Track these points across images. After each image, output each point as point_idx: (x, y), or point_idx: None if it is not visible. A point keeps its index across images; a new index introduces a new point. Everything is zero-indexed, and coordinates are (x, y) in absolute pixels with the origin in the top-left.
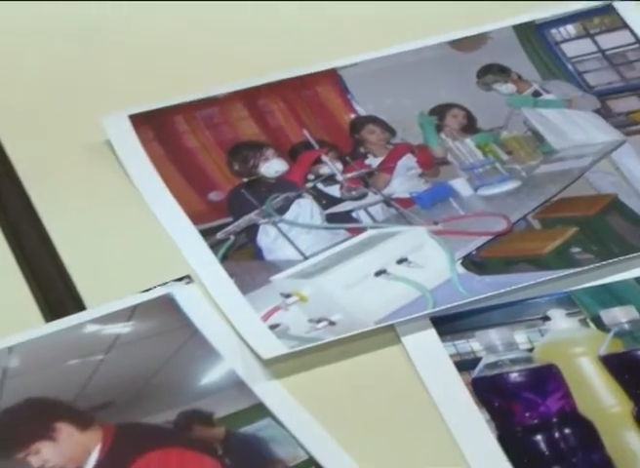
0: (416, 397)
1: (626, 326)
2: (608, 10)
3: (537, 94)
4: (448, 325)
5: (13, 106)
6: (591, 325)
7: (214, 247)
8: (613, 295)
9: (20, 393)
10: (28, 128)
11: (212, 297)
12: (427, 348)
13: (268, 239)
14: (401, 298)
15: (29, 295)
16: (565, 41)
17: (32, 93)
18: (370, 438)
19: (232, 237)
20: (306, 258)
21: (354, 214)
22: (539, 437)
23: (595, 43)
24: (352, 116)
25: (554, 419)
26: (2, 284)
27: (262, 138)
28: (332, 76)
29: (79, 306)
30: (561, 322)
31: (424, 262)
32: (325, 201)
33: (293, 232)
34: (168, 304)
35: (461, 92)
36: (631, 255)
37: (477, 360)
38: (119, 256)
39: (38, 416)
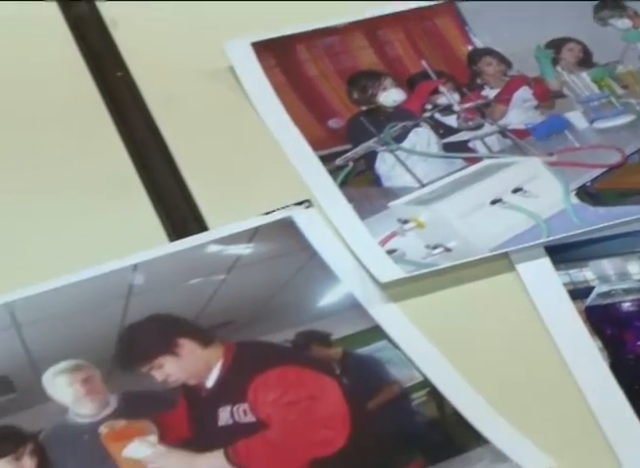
0: (529, 324)
1: None
2: None
3: None
4: (562, 254)
5: (137, 34)
6: None
7: (333, 172)
8: None
9: (145, 309)
10: (154, 55)
11: (331, 222)
12: (541, 276)
13: (386, 166)
14: (516, 227)
15: (154, 216)
16: None
17: (156, 21)
18: (483, 362)
19: (351, 163)
20: (423, 186)
21: (470, 144)
22: None
23: None
24: (470, 48)
25: None
26: (128, 205)
27: (381, 68)
28: (450, 9)
29: (202, 227)
30: None
31: (539, 192)
32: (442, 130)
33: (410, 160)
34: (288, 227)
35: (578, 26)
36: None
37: (590, 289)
38: (241, 180)
39: (162, 332)
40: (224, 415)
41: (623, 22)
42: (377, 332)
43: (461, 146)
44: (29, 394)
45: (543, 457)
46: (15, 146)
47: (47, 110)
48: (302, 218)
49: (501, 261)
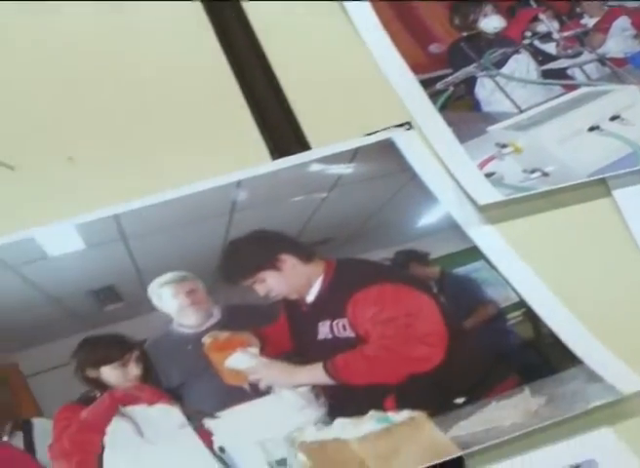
0: (623, 249)
1: None
2: None
3: None
4: None
5: None
6: None
7: (433, 96)
8: None
9: (248, 225)
10: None
11: (430, 144)
12: (638, 202)
13: (485, 91)
14: (613, 153)
15: (258, 135)
16: None
17: None
18: (578, 284)
19: (451, 88)
20: (522, 112)
21: (569, 72)
22: None
23: None
24: None
25: None
26: (233, 124)
27: None
28: None
29: (304, 146)
30: None
31: (637, 120)
32: (541, 58)
33: (509, 86)
34: (388, 148)
35: None
36: None
37: None
38: (343, 102)
39: (264, 247)
40: (324, 330)
41: None
42: (474, 253)
43: (560, 73)
44: (136, 304)
45: (637, 378)
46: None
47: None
48: (403, 140)
49: (598, 187)
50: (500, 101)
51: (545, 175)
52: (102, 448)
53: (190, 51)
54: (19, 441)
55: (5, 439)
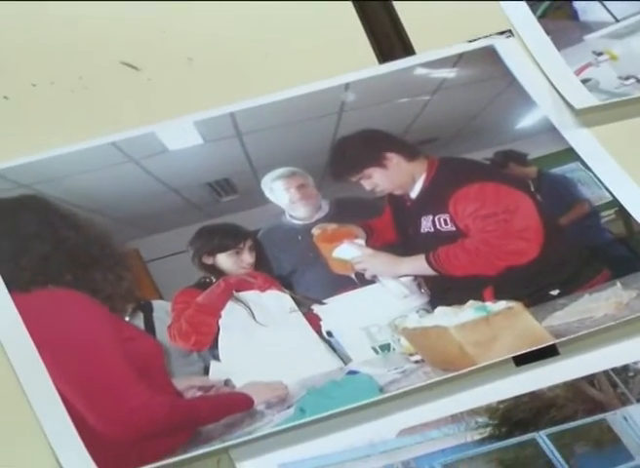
0: None
1: None
2: None
3: None
4: None
5: None
6: None
7: (533, 6)
8: None
9: (356, 125)
10: None
11: (529, 51)
12: None
13: (583, 1)
14: None
15: (366, 41)
16: None
17: None
18: None
19: None
20: (618, 21)
21: None
22: None
23: None
24: None
25: None
26: (343, 30)
27: None
28: None
29: (409, 51)
30: None
31: None
32: None
33: None
34: (490, 55)
35: None
36: None
37: None
38: (447, 9)
39: (371, 145)
40: (426, 224)
41: None
42: (570, 154)
43: None
44: (249, 196)
45: None
46: None
47: None
48: (503, 47)
49: None
50: (598, 11)
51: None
52: (218, 330)
53: None
54: (139, 321)
55: (127, 319)
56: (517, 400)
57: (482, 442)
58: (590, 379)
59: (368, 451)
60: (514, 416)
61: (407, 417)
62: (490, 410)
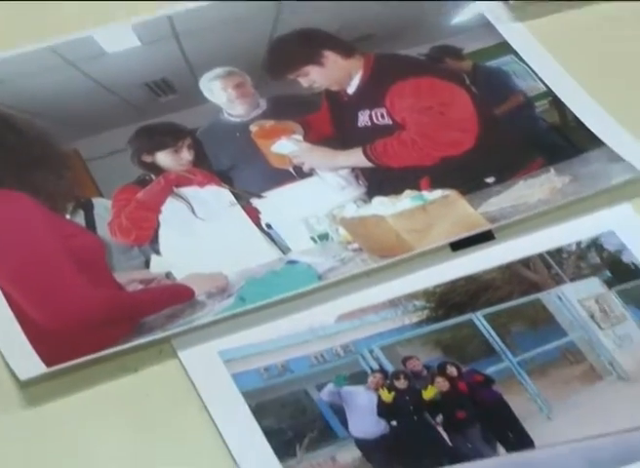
0: None
1: None
2: None
3: None
4: None
5: None
6: None
7: None
8: None
9: (292, 24)
10: None
11: None
12: None
13: None
14: None
15: None
16: None
17: None
18: (601, 74)
19: None
20: None
21: None
22: None
23: None
24: None
25: None
26: None
27: None
28: None
29: None
30: None
31: None
32: None
33: None
34: None
35: None
36: None
37: None
38: None
39: (308, 44)
40: (363, 118)
41: None
42: (504, 48)
43: None
44: (188, 96)
45: None
46: None
47: None
48: None
49: None
50: None
51: None
52: (158, 225)
53: None
54: (80, 219)
55: (68, 217)
56: (454, 283)
57: (419, 324)
58: (525, 262)
59: (308, 337)
60: (451, 299)
61: (346, 303)
62: (427, 294)
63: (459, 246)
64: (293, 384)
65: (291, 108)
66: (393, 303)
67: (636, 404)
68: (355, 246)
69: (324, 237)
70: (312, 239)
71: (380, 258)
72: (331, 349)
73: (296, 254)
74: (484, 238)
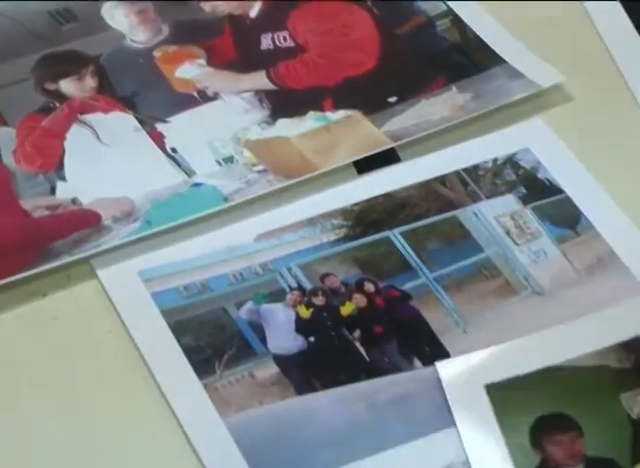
0: None
1: None
2: None
3: None
4: None
5: None
6: None
7: None
8: None
9: None
10: None
11: None
12: None
13: None
14: None
15: None
16: None
17: None
18: None
19: None
20: None
21: None
22: None
23: None
24: None
25: None
26: None
27: None
28: None
29: None
30: None
31: None
32: None
33: None
34: None
35: None
36: None
37: None
38: None
39: None
40: (266, 41)
41: None
42: None
43: None
44: (90, 23)
45: (555, 73)
46: None
47: None
48: None
49: None
50: None
51: None
52: (63, 152)
53: None
54: None
55: None
56: (371, 201)
57: (337, 242)
58: (442, 180)
59: (226, 256)
60: (368, 217)
61: (264, 223)
62: (345, 213)
63: (365, 168)
64: (212, 302)
65: (194, 33)
66: (311, 222)
67: (550, 318)
68: (260, 167)
69: (229, 160)
70: (217, 162)
71: (286, 179)
72: (249, 268)
73: (201, 177)
74: (389, 160)
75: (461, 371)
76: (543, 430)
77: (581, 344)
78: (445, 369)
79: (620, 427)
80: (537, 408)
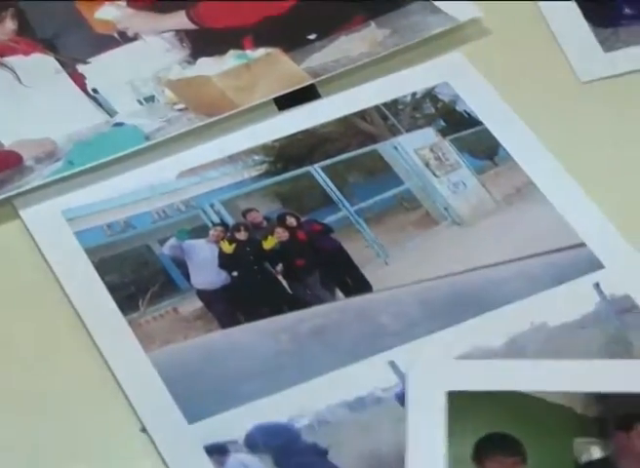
0: None
1: None
2: None
3: None
4: None
5: None
6: None
7: None
8: None
9: None
10: None
11: None
12: None
13: None
14: None
15: None
16: None
17: None
18: None
19: None
20: None
21: None
22: None
23: None
24: None
25: None
26: None
27: None
28: None
29: None
30: None
31: None
32: None
33: None
34: None
35: None
36: None
37: None
38: None
39: None
40: None
41: None
42: None
43: None
44: None
45: (472, 8)
46: None
47: None
48: None
49: None
50: None
51: None
52: None
53: None
54: None
55: None
56: (292, 137)
57: (259, 178)
58: (362, 114)
59: (149, 194)
60: (289, 153)
61: (185, 160)
62: (266, 149)
63: (285, 105)
64: (135, 240)
65: None
66: (233, 159)
67: (468, 247)
68: (181, 106)
69: (150, 99)
70: (138, 101)
71: (207, 117)
72: (172, 205)
73: (122, 117)
74: (309, 97)
75: (429, 375)
76: (489, 448)
77: (556, 383)
78: (414, 372)
79: (563, 467)
80: (491, 425)
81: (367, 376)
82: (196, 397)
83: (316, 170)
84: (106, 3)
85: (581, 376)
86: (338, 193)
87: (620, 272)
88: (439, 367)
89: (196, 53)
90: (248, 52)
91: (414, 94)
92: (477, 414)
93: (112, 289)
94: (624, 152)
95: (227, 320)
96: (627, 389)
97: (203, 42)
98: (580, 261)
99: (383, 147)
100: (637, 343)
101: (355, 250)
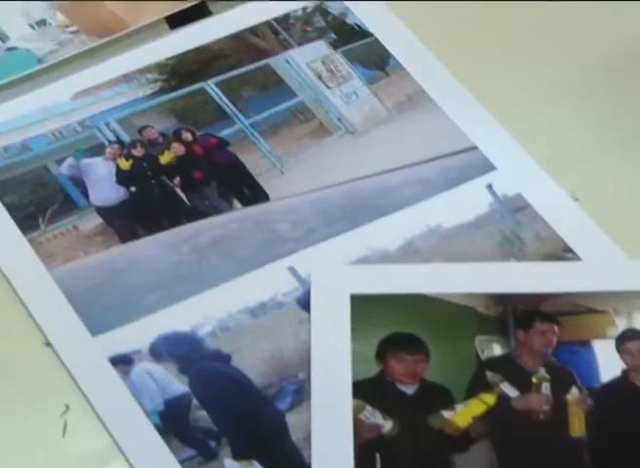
0: None
1: None
2: None
3: None
4: None
5: None
6: None
7: None
8: None
9: None
10: None
11: None
12: None
13: None
14: None
15: None
16: None
17: None
18: None
19: None
20: None
21: None
22: None
23: None
24: None
25: None
26: None
27: None
28: None
29: None
30: None
31: None
32: None
33: None
34: None
35: None
36: None
37: None
38: None
39: None
40: None
41: None
42: None
43: None
44: None
45: None
46: None
47: None
48: None
49: None
50: None
51: None
52: None
53: None
54: None
55: None
56: (185, 55)
57: (153, 95)
58: (253, 30)
59: (44, 116)
60: (182, 69)
61: (79, 81)
62: (159, 67)
63: (177, 24)
64: (32, 161)
65: None
66: (127, 78)
67: (362, 155)
68: (73, 28)
69: (41, 23)
70: (30, 25)
71: (99, 38)
72: (68, 126)
73: (14, 41)
74: (201, 14)
75: (332, 279)
76: (391, 346)
77: (459, 285)
78: (317, 277)
79: (466, 363)
80: (393, 325)
81: (267, 282)
82: (99, 310)
83: (210, 85)
84: None
85: (478, 278)
86: (232, 107)
87: (511, 173)
88: (342, 271)
89: None
90: None
91: (304, 8)
92: (380, 316)
93: (11, 209)
94: (511, 56)
95: (127, 234)
96: (523, 290)
97: None
98: (473, 164)
99: (276, 61)
100: (529, 241)
101: (251, 161)
